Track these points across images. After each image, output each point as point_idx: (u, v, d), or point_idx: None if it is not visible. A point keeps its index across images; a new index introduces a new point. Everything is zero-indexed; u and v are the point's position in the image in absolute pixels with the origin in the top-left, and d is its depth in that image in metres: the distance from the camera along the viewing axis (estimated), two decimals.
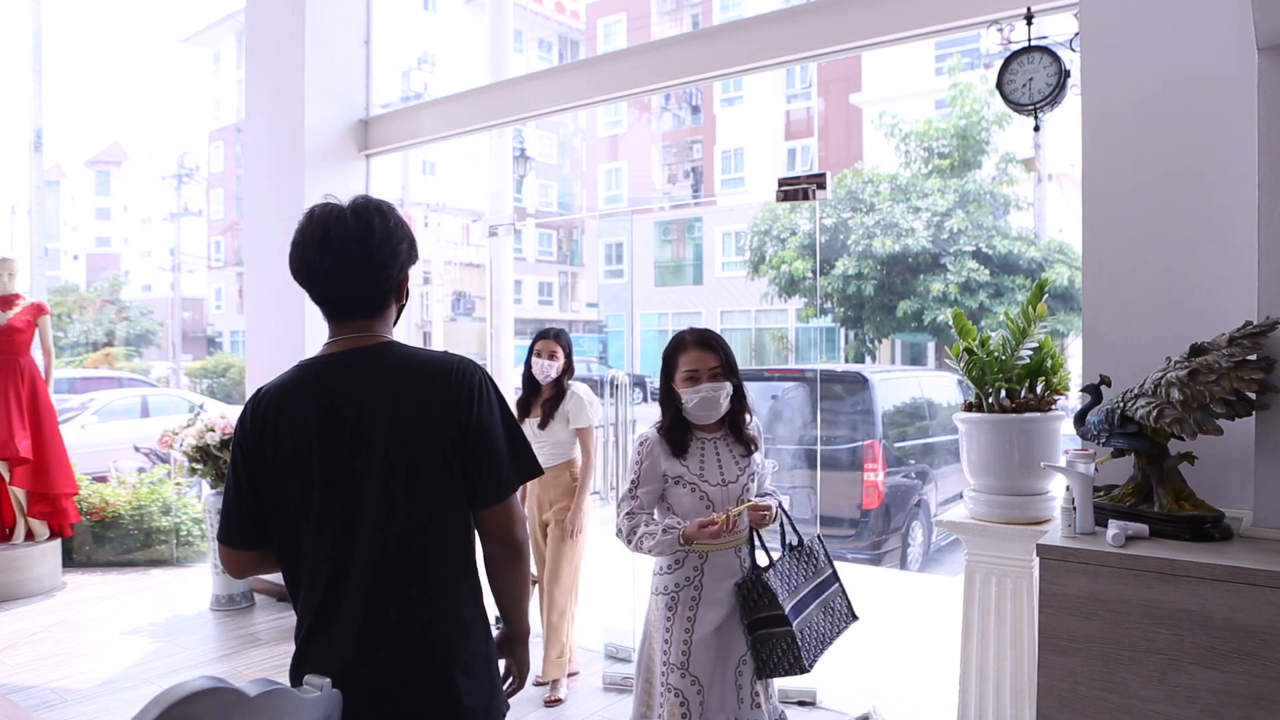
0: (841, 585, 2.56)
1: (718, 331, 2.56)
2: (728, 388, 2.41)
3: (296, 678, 1.48)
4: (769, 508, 2.44)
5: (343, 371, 1.56)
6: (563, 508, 3.69)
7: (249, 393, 5.24)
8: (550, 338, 3.73)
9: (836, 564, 2.65)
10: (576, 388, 3.74)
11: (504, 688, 1.65)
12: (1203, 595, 1.66)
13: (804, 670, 2.32)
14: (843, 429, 6.74)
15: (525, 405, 3.76)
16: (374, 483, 1.49)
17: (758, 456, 2.51)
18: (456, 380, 1.55)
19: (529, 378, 3.75)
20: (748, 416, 2.51)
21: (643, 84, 4.15)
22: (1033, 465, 2.48)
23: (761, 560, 2.48)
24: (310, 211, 1.60)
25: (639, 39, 20.86)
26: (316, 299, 1.63)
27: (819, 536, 2.59)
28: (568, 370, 3.74)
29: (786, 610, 2.32)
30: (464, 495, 1.54)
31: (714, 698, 2.39)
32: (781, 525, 2.53)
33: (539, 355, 3.69)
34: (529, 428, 3.68)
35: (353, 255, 1.56)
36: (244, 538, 1.56)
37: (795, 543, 2.54)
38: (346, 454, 1.50)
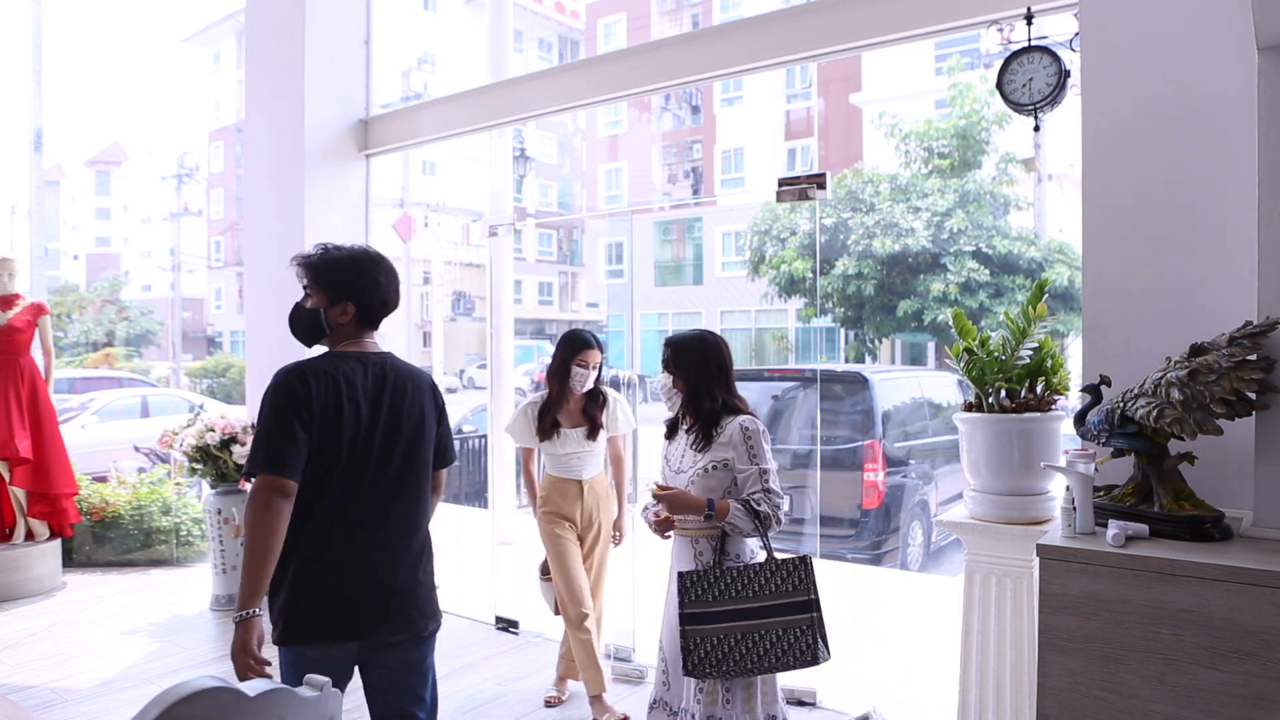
0: (810, 622, 2.34)
1: (716, 331, 2.69)
2: (663, 380, 2.65)
3: (319, 607, 2.01)
4: (673, 499, 2.47)
5: (378, 366, 2.16)
6: (605, 516, 3.63)
7: (249, 393, 5.30)
8: (594, 347, 3.51)
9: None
10: (613, 394, 3.63)
11: None
12: (1203, 595, 1.66)
13: (688, 674, 2.35)
14: (843, 429, 6.74)
15: (549, 413, 3.50)
16: (400, 450, 2.11)
17: (730, 456, 2.47)
18: (433, 386, 2.27)
19: (560, 387, 3.50)
20: (740, 420, 2.50)
21: (643, 84, 4.15)
22: (1033, 465, 2.47)
23: (759, 556, 2.50)
24: (380, 254, 2.28)
25: (639, 39, 20.86)
26: (371, 311, 2.21)
27: (806, 562, 2.41)
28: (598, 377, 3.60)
29: (700, 610, 2.38)
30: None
31: (675, 681, 2.53)
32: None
33: (581, 366, 3.46)
34: (570, 439, 3.50)
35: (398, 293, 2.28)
36: (298, 472, 1.97)
37: (734, 553, 2.48)
38: (386, 425, 2.09)
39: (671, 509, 2.50)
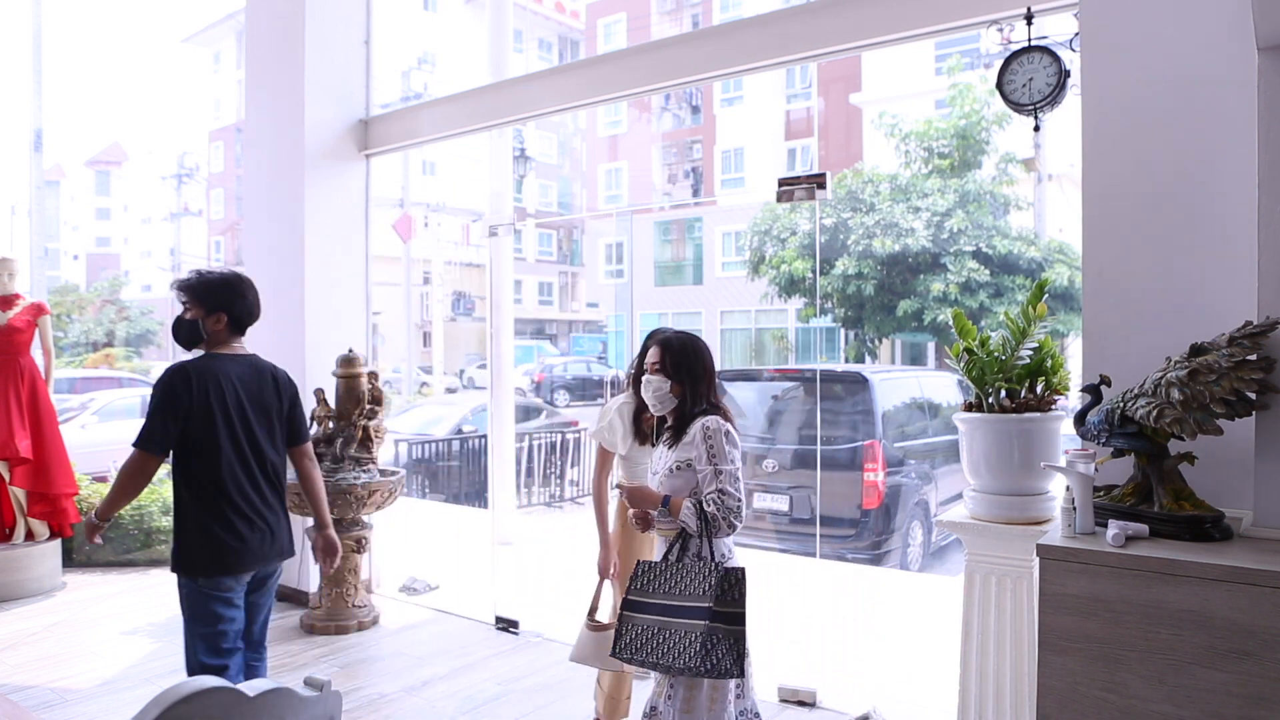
0: (723, 634, 2.31)
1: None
2: (654, 380, 2.57)
3: (210, 547, 2.69)
4: (633, 492, 2.49)
5: (244, 363, 2.84)
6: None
7: None
8: (658, 343, 3.38)
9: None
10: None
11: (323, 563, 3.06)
12: (1203, 595, 1.66)
13: (613, 655, 2.44)
14: (843, 429, 6.74)
15: (645, 416, 3.10)
16: (264, 429, 2.81)
17: (693, 456, 2.45)
18: (287, 379, 2.94)
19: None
20: (704, 419, 2.47)
21: (642, 84, 4.15)
22: (1033, 465, 2.47)
23: (733, 558, 2.52)
24: (246, 277, 2.89)
25: (639, 39, 20.86)
26: (240, 320, 2.84)
27: (731, 572, 2.36)
28: None
29: (639, 599, 2.43)
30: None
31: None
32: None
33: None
34: (649, 451, 3.12)
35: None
36: (165, 450, 2.68)
37: (694, 552, 2.45)
38: (252, 410, 2.79)
39: (630, 502, 2.51)
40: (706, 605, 2.32)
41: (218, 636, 2.68)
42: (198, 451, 2.69)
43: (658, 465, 2.58)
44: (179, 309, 2.83)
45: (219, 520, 2.69)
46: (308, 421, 3.00)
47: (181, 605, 2.72)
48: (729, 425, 2.49)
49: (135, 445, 2.67)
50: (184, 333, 2.81)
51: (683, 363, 2.56)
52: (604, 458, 3.26)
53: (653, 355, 2.60)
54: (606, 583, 3.17)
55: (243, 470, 2.75)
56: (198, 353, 2.80)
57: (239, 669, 2.74)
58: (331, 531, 3.04)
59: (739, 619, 2.36)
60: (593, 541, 3.24)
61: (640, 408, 3.12)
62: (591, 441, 3.34)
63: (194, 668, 2.67)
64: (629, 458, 3.17)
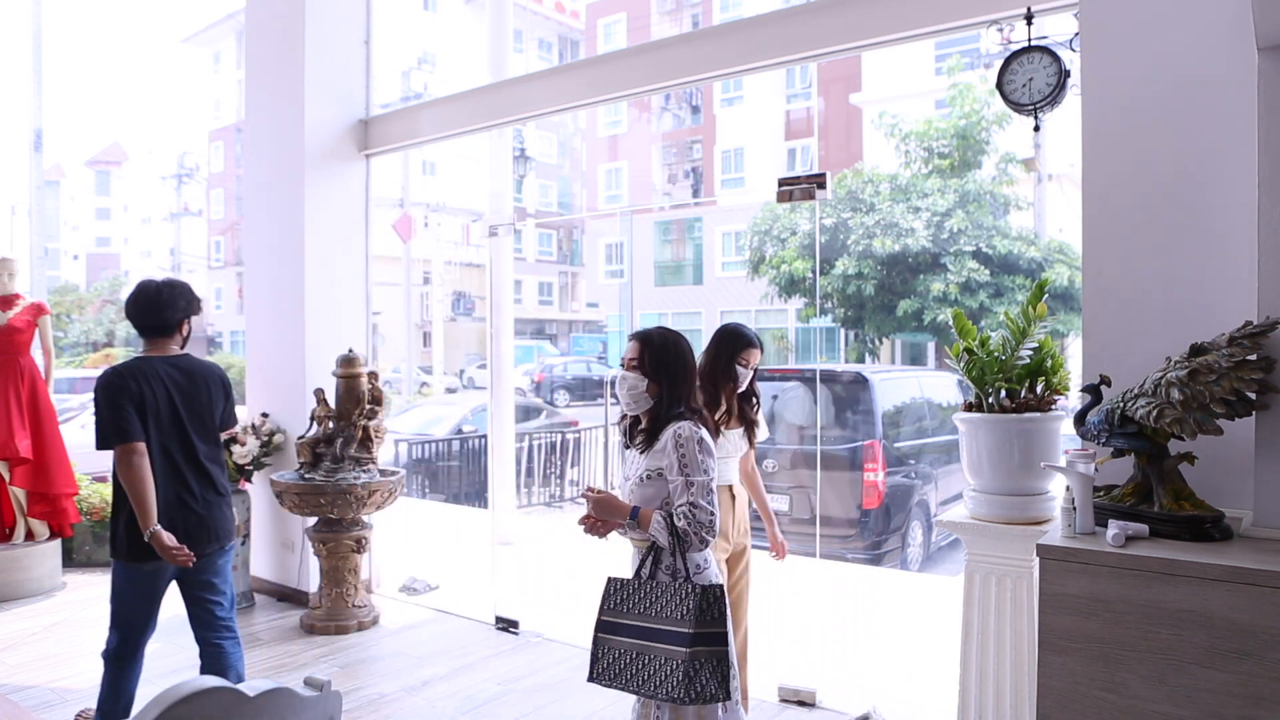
0: (705, 657, 2.21)
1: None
2: (630, 378, 2.42)
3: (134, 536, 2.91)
4: (599, 502, 2.35)
5: (175, 363, 3.08)
6: (749, 528, 3.27)
7: (249, 393, 5.30)
8: (757, 346, 3.16)
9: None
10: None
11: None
12: (1203, 595, 1.66)
13: (591, 680, 2.33)
14: (843, 429, 6.74)
15: (711, 413, 3.01)
16: (195, 424, 3.06)
17: (664, 464, 2.33)
18: (220, 375, 3.19)
19: (717, 388, 3.11)
20: (676, 425, 2.35)
21: (642, 84, 4.15)
22: (1033, 465, 2.47)
23: (708, 571, 2.38)
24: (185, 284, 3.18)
25: (639, 39, 20.86)
26: (141, 328, 3.11)
27: (708, 591, 2.26)
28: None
29: (614, 620, 2.32)
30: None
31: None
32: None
33: (743, 365, 3.12)
34: (729, 441, 3.11)
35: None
36: (138, 435, 2.90)
37: (666, 567, 2.32)
38: (183, 407, 3.03)
39: (597, 512, 2.38)
40: (686, 630, 2.21)
41: (143, 614, 3.04)
42: None
43: (629, 471, 2.44)
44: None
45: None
46: (227, 415, 3.23)
47: (113, 583, 3.03)
48: (703, 433, 2.35)
49: (107, 446, 2.89)
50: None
51: (662, 361, 2.40)
52: None
53: (630, 351, 2.45)
54: None
55: (173, 463, 3.00)
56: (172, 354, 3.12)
57: (143, 642, 3.12)
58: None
59: (721, 639, 2.26)
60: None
61: (708, 402, 3.02)
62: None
63: (113, 641, 3.06)
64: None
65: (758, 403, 3.26)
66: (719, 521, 2.38)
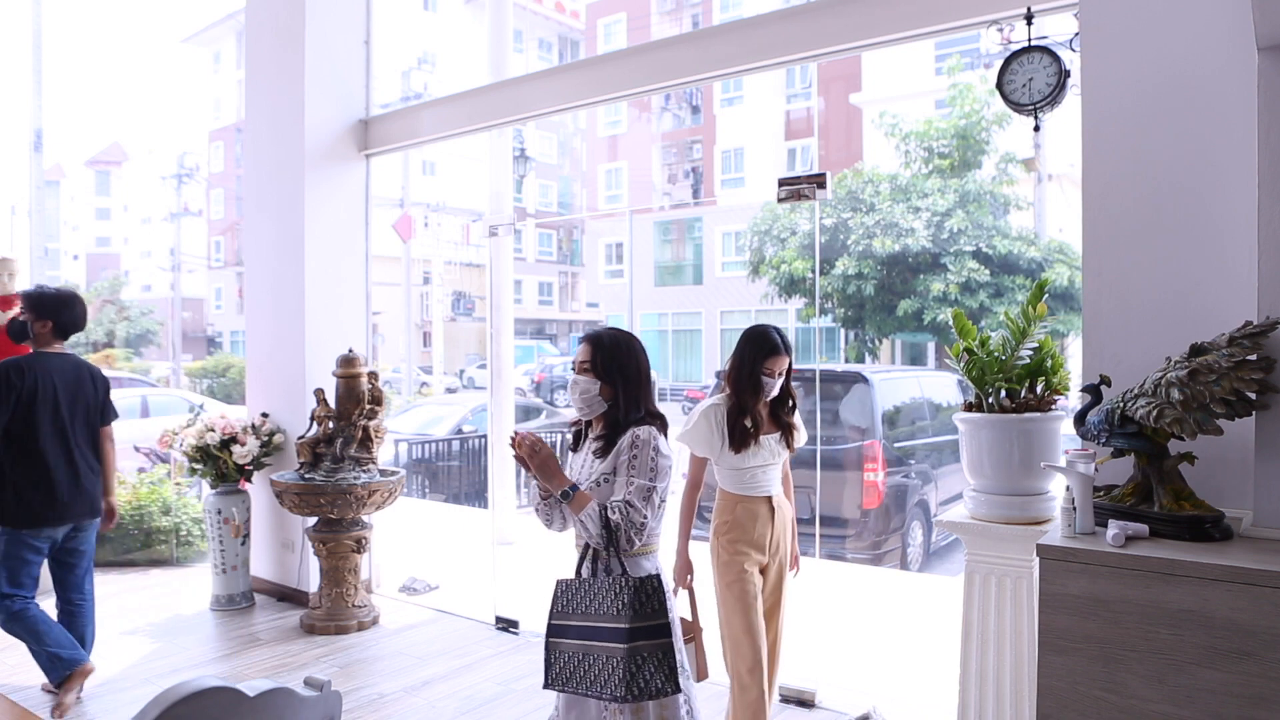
0: (638, 656, 2.14)
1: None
2: (582, 381, 2.35)
3: (32, 508, 3.51)
4: (537, 457, 2.23)
5: (64, 361, 3.65)
6: (788, 541, 3.07)
7: (249, 393, 5.30)
8: (784, 353, 2.92)
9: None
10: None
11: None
12: (1203, 595, 1.66)
13: (547, 686, 2.28)
14: (843, 429, 6.74)
15: (742, 419, 2.91)
16: (77, 414, 3.62)
17: (607, 464, 2.29)
18: (97, 372, 3.74)
19: (749, 395, 2.92)
20: (635, 429, 2.29)
21: (642, 84, 4.15)
22: (1033, 465, 2.47)
23: (647, 569, 2.32)
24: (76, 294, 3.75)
25: (639, 39, 20.86)
26: (64, 328, 3.66)
27: (645, 583, 2.20)
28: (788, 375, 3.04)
29: (561, 623, 2.27)
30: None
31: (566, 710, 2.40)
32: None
33: (769, 375, 2.90)
34: (764, 449, 2.93)
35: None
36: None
37: (604, 565, 2.25)
38: (66, 398, 3.58)
39: (531, 459, 2.24)
40: (624, 626, 2.14)
41: (19, 572, 3.50)
42: (22, 429, 3.47)
43: (580, 477, 2.36)
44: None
45: (34, 484, 3.48)
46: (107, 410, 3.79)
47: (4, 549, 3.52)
48: (661, 440, 2.30)
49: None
50: (15, 330, 3.71)
51: (614, 362, 2.33)
52: (691, 465, 3.03)
53: (582, 353, 2.37)
54: (683, 593, 2.87)
55: (57, 446, 3.53)
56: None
57: (32, 597, 3.56)
58: (114, 499, 3.83)
59: (662, 630, 2.18)
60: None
61: (735, 411, 2.92)
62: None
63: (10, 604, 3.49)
64: (721, 464, 2.95)
65: (794, 405, 3.06)
66: (652, 529, 2.29)
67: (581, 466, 2.38)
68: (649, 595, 2.19)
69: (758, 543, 2.91)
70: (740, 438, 2.89)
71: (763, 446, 2.93)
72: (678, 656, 2.22)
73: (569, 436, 2.55)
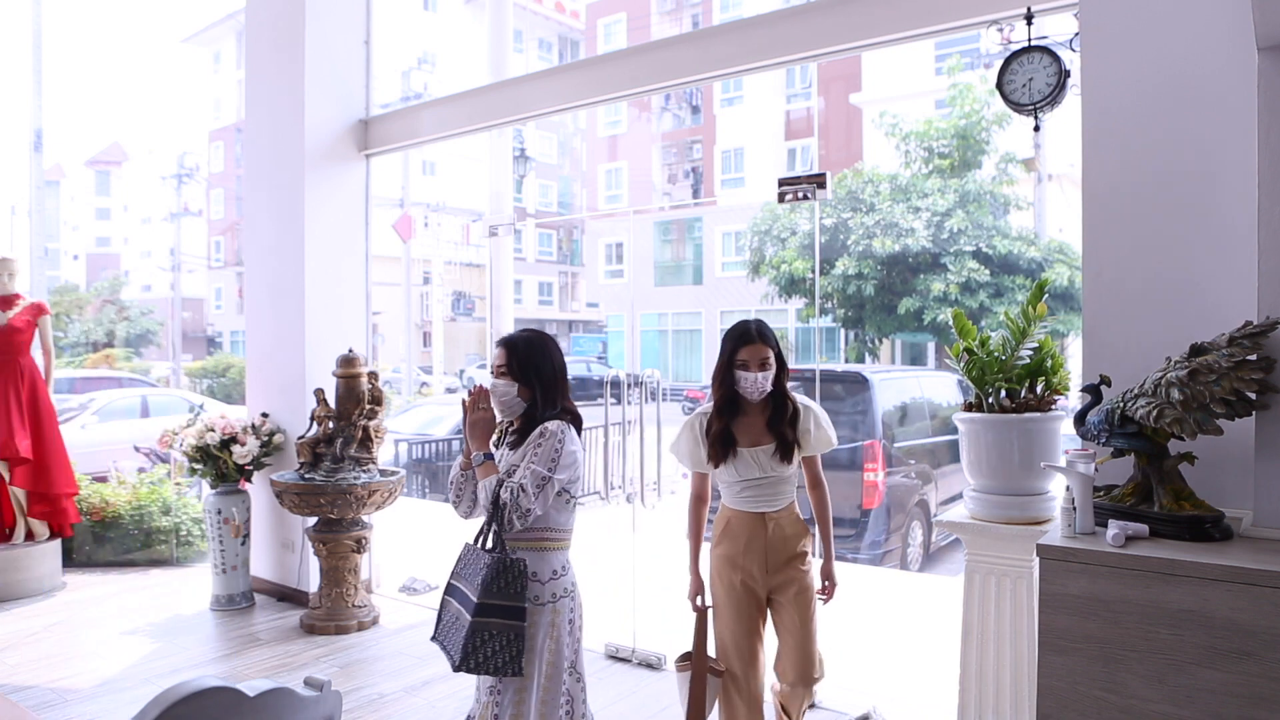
0: (483, 631, 2.21)
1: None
2: (500, 385, 2.39)
3: None
4: (476, 420, 2.35)
5: None
6: (800, 559, 2.75)
7: (249, 393, 5.30)
8: (757, 341, 2.63)
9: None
10: (806, 401, 2.78)
11: None
12: (1203, 595, 1.66)
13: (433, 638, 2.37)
14: (843, 429, 6.73)
15: (725, 434, 2.67)
16: None
17: (517, 455, 2.35)
18: None
19: (726, 395, 2.68)
20: (547, 423, 2.34)
21: (642, 84, 4.15)
22: (1033, 465, 2.47)
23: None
24: None
25: (639, 39, 20.85)
26: None
27: (512, 565, 2.26)
28: (780, 375, 2.70)
29: (453, 583, 2.37)
30: None
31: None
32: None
33: (747, 368, 2.61)
34: (749, 463, 2.67)
35: None
36: None
37: (484, 545, 2.33)
38: None
39: (472, 410, 2.35)
40: (474, 599, 2.23)
41: None
42: None
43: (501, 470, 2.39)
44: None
45: None
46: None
47: None
48: (570, 435, 2.33)
49: None
50: None
51: (529, 363, 2.38)
52: (692, 476, 2.84)
53: (497, 357, 2.41)
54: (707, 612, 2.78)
55: None
56: None
57: None
58: None
59: (514, 613, 2.22)
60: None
61: (713, 416, 2.70)
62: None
63: None
64: (715, 475, 2.77)
65: (794, 410, 2.71)
66: (558, 523, 2.36)
67: (501, 460, 2.40)
68: (511, 577, 2.24)
69: (750, 561, 2.69)
70: (715, 449, 2.67)
71: (747, 460, 2.67)
72: (527, 640, 2.26)
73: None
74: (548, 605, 2.35)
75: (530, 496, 2.23)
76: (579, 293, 33.34)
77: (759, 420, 2.70)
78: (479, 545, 2.34)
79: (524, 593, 2.26)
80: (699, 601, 2.79)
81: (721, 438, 2.67)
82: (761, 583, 2.71)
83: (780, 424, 2.69)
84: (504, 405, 2.40)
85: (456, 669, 2.24)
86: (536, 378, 2.38)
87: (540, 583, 2.34)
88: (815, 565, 2.84)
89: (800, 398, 2.77)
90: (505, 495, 2.23)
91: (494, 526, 2.29)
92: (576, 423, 2.41)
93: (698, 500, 2.84)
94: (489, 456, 2.34)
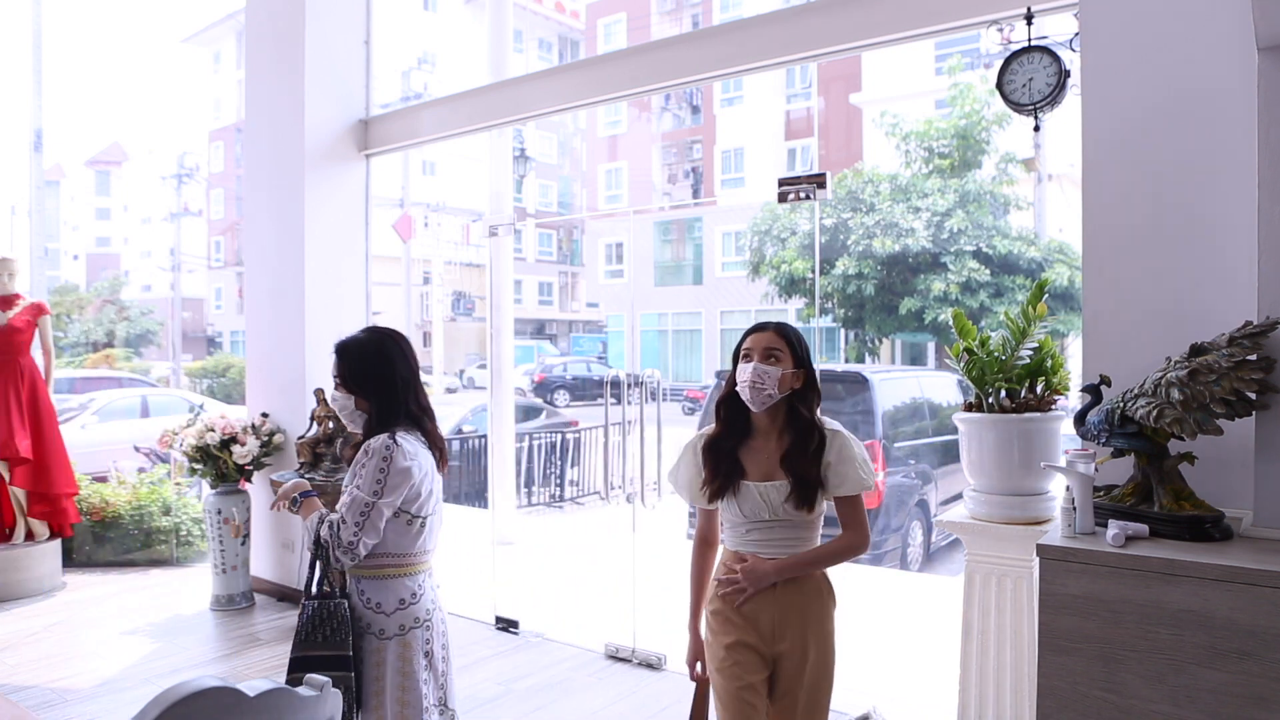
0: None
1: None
2: (338, 398, 2.21)
3: None
4: (290, 488, 2.17)
5: None
6: (818, 627, 2.11)
7: (249, 393, 5.30)
8: (770, 329, 2.16)
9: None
10: (834, 427, 2.16)
11: None
12: (1203, 595, 1.66)
13: None
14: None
15: (720, 454, 2.12)
16: None
17: (348, 476, 2.13)
18: None
19: (731, 411, 2.15)
20: (371, 439, 2.11)
21: (642, 84, 4.15)
22: (1033, 465, 2.47)
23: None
24: None
25: (639, 39, 20.85)
26: None
27: (335, 610, 2.07)
28: (805, 393, 2.15)
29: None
30: None
31: None
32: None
33: (748, 359, 2.11)
34: (755, 500, 2.07)
35: None
36: None
37: (315, 593, 2.09)
38: None
39: (281, 500, 2.19)
40: (329, 652, 2.01)
41: None
42: None
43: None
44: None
45: None
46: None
47: None
48: (397, 450, 2.04)
49: None
50: None
51: (359, 371, 2.15)
52: (699, 513, 2.27)
53: (334, 366, 2.20)
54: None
55: None
56: None
57: None
58: None
59: (339, 663, 1.99)
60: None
61: (712, 442, 2.15)
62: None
63: None
64: (724, 516, 2.18)
65: (821, 441, 2.10)
66: (407, 549, 2.12)
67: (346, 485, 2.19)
68: (336, 625, 2.03)
69: (749, 621, 2.07)
70: (713, 477, 2.11)
71: (752, 497, 2.08)
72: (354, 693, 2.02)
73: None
74: (393, 639, 2.10)
75: (351, 528, 2.01)
76: (579, 293, 33.34)
77: (774, 449, 2.11)
78: (304, 592, 2.10)
79: (345, 641, 2.03)
80: (698, 669, 2.22)
81: (724, 464, 2.10)
82: (766, 652, 2.09)
83: (801, 457, 2.07)
84: (346, 418, 2.19)
85: None
86: (371, 386, 2.14)
87: (384, 614, 2.11)
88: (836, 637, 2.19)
89: (831, 423, 2.16)
90: (324, 531, 2.04)
91: (317, 570, 2.07)
92: (417, 427, 2.14)
93: (703, 544, 2.23)
94: (308, 493, 2.15)
